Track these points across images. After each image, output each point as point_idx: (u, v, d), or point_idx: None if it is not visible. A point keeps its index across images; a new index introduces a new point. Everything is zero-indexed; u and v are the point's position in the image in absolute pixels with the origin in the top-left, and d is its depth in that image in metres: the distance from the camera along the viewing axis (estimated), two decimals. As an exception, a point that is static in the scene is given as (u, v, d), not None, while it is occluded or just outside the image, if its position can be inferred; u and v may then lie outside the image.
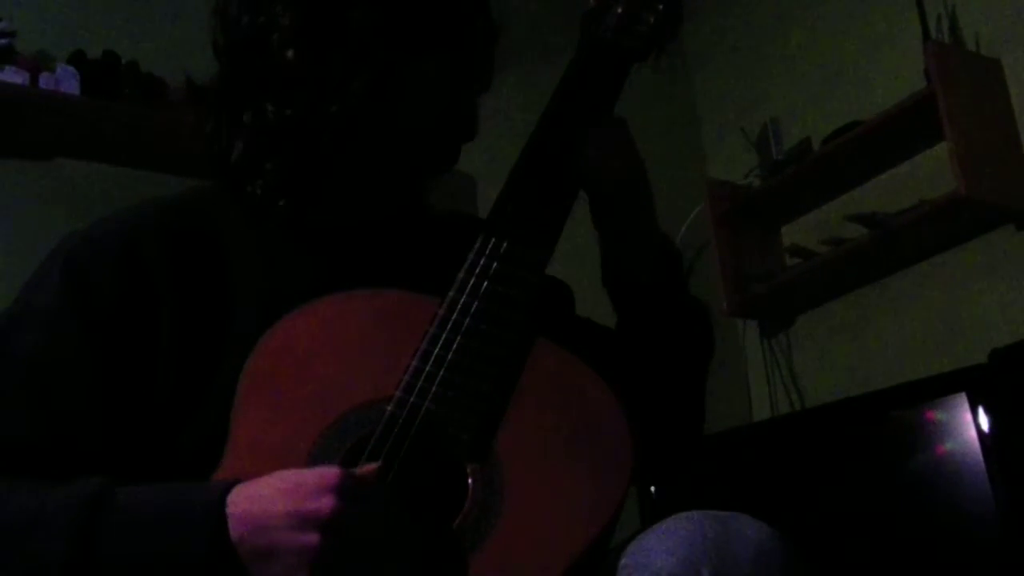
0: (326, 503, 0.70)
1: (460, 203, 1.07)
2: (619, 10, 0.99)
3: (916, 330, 2.63)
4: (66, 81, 2.28)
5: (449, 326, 0.83)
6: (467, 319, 0.83)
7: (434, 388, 0.81)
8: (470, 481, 0.79)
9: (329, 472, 0.73)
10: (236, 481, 0.75)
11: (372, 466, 0.77)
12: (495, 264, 0.85)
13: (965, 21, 2.57)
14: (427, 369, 0.82)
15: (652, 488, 2.28)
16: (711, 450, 2.25)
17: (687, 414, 1.04)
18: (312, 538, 0.70)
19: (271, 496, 0.73)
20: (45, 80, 2.26)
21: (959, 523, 1.90)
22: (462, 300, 0.84)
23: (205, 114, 0.97)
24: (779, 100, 3.08)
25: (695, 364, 1.05)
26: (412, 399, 0.81)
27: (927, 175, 2.58)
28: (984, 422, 1.88)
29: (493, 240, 0.87)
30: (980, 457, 1.86)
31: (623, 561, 0.76)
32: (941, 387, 1.97)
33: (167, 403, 0.85)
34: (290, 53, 0.90)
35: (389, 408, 0.80)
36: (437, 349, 0.82)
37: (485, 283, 0.85)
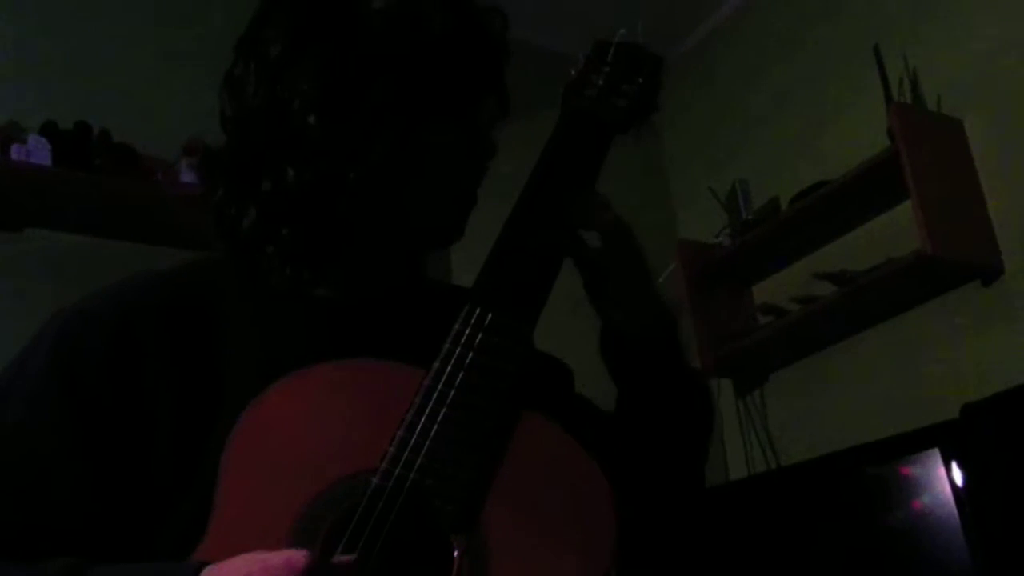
0: None
1: (431, 268, 1.07)
2: (600, 82, 1.00)
3: (888, 386, 2.65)
4: (37, 152, 2.28)
5: (435, 397, 0.82)
6: (452, 390, 0.83)
7: (420, 459, 0.80)
8: (455, 553, 0.78)
9: (297, 555, 0.71)
10: (205, 563, 0.73)
11: (348, 557, 0.76)
12: (480, 335, 0.85)
13: (926, 83, 2.63)
14: (413, 440, 0.80)
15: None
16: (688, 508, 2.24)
17: (686, 491, 1.05)
18: None
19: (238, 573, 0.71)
20: (16, 151, 2.26)
21: (937, 578, 1.90)
22: (447, 370, 0.83)
23: (214, 183, 0.97)
24: (747, 161, 3.13)
25: (696, 436, 1.05)
26: (398, 470, 0.79)
27: (893, 233, 2.62)
28: (957, 477, 1.88)
29: (478, 311, 0.86)
30: (955, 511, 1.87)
31: None
32: (914, 443, 1.99)
33: (159, 482, 0.84)
34: (312, 119, 0.90)
35: (375, 480, 0.79)
36: (423, 420, 0.81)
37: (470, 354, 0.84)
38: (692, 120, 3.42)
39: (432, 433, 0.81)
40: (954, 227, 2.42)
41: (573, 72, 1.02)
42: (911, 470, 1.98)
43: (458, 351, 0.84)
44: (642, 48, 1.03)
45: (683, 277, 2.94)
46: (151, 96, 2.62)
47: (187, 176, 2.42)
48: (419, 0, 0.94)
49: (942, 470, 1.91)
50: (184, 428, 0.86)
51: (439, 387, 0.83)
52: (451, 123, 0.96)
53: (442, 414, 0.82)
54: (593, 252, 0.96)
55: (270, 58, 0.93)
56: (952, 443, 1.92)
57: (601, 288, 0.99)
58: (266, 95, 0.93)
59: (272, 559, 0.71)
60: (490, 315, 0.86)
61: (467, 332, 0.85)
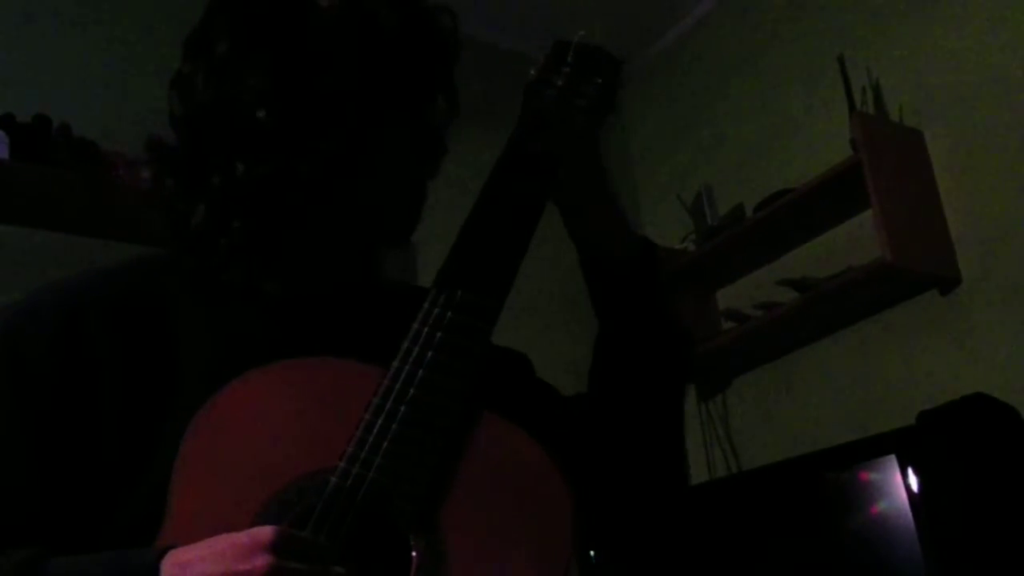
0: (260, 562, 0.69)
1: (400, 269, 1.06)
2: (559, 83, 1.01)
3: (847, 392, 2.68)
4: (-4, 144, 2.25)
5: (394, 396, 0.82)
6: (412, 388, 0.83)
7: (379, 459, 0.80)
8: (414, 553, 0.78)
9: (263, 531, 0.71)
10: (171, 547, 0.73)
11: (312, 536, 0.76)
12: (439, 333, 0.85)
13: (889, 94, 2.66)
14: (372, 439, 0.80)
15: (591, 552, 2.27)
16: (650, 513, 2.25)
17: (668, 453, 1.04)
18: None
19: (204, 558, 0.71)
20: (-26, 143, 2.23)
21: (892, 583, 1.92)
22: (407, 369, 0.83)
23: (163, 179, 0.96)
24: (712, 167, 3.15)
25: (674, 369, 1.04)
26: (356, 469, 0.79)
27: (855, 241, 2.65)
28: (913, 482, 1.91)
29: (437, 310, 0.86)
30: (910, 516, 1.89)
31: None
32: (872, 449, 2.01)
33: (109, 476, 0.84)
34: (261, 113, 0.90)
35: (333, 479, 0.79)
36: (382, 419, 0.81)
37: (430, 352, 0.84)
38: (658, 127, 3.43)
39: (391, 433, 0.80)
40: (914, 237, 2.45)
41: (533, 72, 1.03)
42: (869, 475, 2.00)
43: (417, 349, 0.84)
44: (601, 49, 1.04)
45: (647, 282, 2.94)
46: (113, 90, 2.59)
47: (149, 171, 2.39)
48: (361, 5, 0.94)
49: (899, 476, 1.93)
50: (133, 424, 0.85)
51: (398, 386, 0.83)
52: (401, 118, 0.96)
53: (401, 413, 0.81)
54: (570, 191, 0.98)
55: (217, 54, 0.93)
56: (908, 449, 1.94)
57: (578, 220, 1.00)
58: (214, 91, 0.92)
59: (238, 536, 0.71)
60: (449, 313, 0.86)
61: (426, 330, 0.85)
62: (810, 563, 2.06)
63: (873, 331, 2.66)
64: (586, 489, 0.84)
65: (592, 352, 1.04)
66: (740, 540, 2.20)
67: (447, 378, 0.83)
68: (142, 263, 0.98)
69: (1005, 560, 1.84)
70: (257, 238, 0.93)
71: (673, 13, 3.39)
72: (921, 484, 1.90)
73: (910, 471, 1.91)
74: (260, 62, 0.91)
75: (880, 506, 1.95)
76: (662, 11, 3.38)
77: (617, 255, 1.02)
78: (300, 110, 0.91)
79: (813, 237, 2.83)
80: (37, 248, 2.37)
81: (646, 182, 3.42)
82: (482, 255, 0.90)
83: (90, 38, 2.64)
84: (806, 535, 2.10)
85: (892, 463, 1.94)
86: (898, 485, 1.92)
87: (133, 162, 2.41)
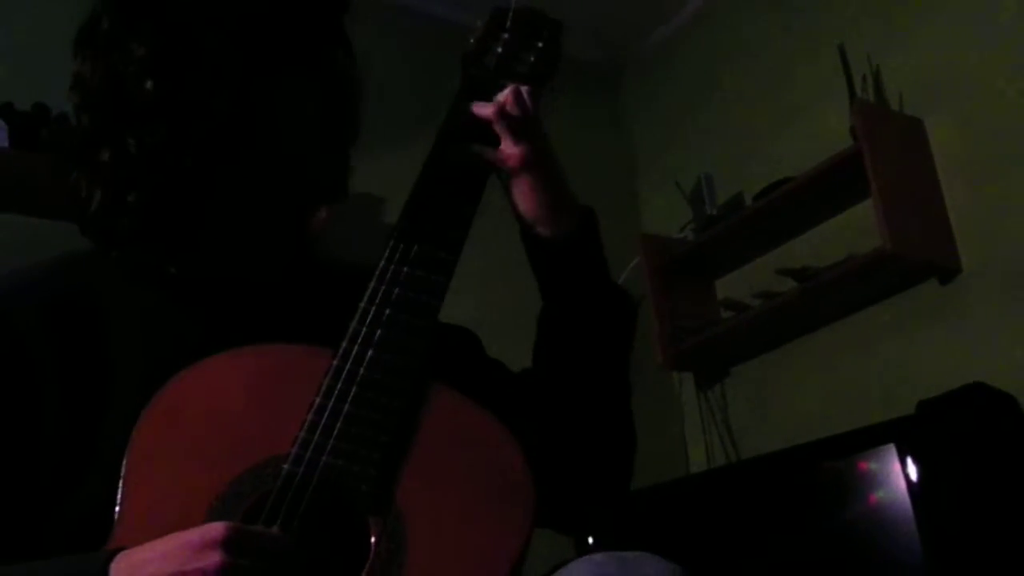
0: (212, 560, 0.68)
1: (366, 224, 1.04)
2: (499, 50, 1.00)
3: (846, 381, 2.68)
4: (-4, 133, 2.24)
5: (343, 377, 0.81)
6: (361, 368, 0.82)
7: (331, 442, 0.79)
8: (372, 535, 0.77)
9: (214, 527, 0.70)
10: (120, 549, 0.73)
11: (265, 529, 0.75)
12: (388, 310, 0.85)
13: (889, 82, 2.66)
14: (323, 422, 0.80)
15: (589, 539, 2.28)
16: (649, 501, 2.25)
17: (616, 423, 1.02)
18: None
19: (156, 557, 0.70)
20: (-26, 132, 2.22)
21: (891, 570, 1.92)
22: (355, 350, 0.83)
23: (67, 174, 0.94)
24: (712, 156, 3.14)
25: (617, 339, 1.03)
26: (309, 454, 0.78)
27: (855, 230, 2.65)
28: (912, 471, 1.91)
29: (384, 287, 0.86)
30: (909, 505, 1.89)
31: None
32: (871, 438, 2.01)
33: (52, 474, 0.83)
34: (148, 84, 0.88)
35: (286, 466, 0.78)
36: (332, 402, 0.81)
37: (379, 331, 0.83)
38: (658, 115, 3.43)
39: (343, 414, 0.80)
40: (914, 226, 2.44)
41: (471, 40, 1.02)
42: (868, 465, 2.00)
43: (365, 329, 0.83)
44: (540, 13, 1.03)
45: (647, 271, 2.95)
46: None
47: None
48: None
49: (898, 465, 1.93)
50: (72, 421, 0.84)
51: (347, 366, 0.82)
52: (293, 70, 0.94)
53: (352, 394, 0.81)
54: (508, 158, 0.96)
55: (101, 34, 0.92)
56: (908, 439, 1.95)
57: (522, 192, 0.98)
58: (103, 71, 0.91)
59: (188, 534, 0.70)
60: (397, 289, 0.86)
61: (374, 309, 0.84)
62: (809, 552, 2.07)
63: (873, 320, 2.66)
64: (538, 465, 0.82)
65: (537, 328, 1.02)
66: (738, 529, 2.21)
67: (396, 356, 0.82)
68: (68, 259, 0.97)
69: (1004, 549, 1.85)
70: (159, 213, 0.90)
71: (674, 0, 3.38)
72: (920, 473, 1.90)
73: (909, 460, 1.92)
74: (141, 30, 0.90)
75: (879, 495, 1.96)
76: (662, -1, 3.37)
77: (557, 226, 0.98)
78: (185, 73, 0.89)
79: (813, 226, 2.83)
80: (36, 235, 2.36)
81: (645, 171, 3.42)
82: (433, 216, 0.90)
83: (88, 26, 2.62)
84: (805, 525, 2.10)
85: (891, 452, 1.95)
86: (897, 474, 1.92)
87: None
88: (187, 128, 0.88)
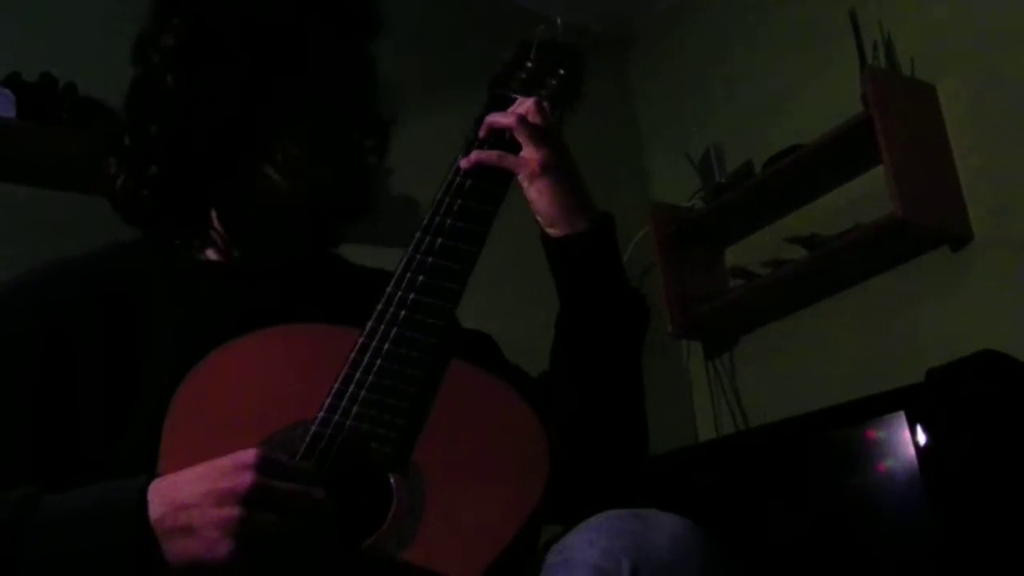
0: (244, 479, 0.73)
1: (405, 226, 1.08)
2: (523, 76, 1.09)
3: (855, 350, 2.68)
4: (1, 104, 2.23)
5: (369, 351, 0.88)
6: (386, 344, 0.89)
7: (356, 408, 0.85)
8: (394, 489, 0.82)
9: (246, 452, 0.76)
10: (153, 476, 0.79)
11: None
12: (412, 294, 0.92)
13: (900, 47, 2.63)
14: (349, 391, 0.86)
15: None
16: (657, 470, 2.26)
17: (630, 424, 1.06)
18: (232, 511, 0.72)
19: (190, 479, 0.76)
20: (-20, 102, 2.22)
21: (899, 538, 1.93)
22: (380, 328, 0.90)
23: (101, 153, 1.04)
24: (721, 124, 3.13)
25: (633, 343, 1.07)
26: (335, 418, 0.85)
27: (865, 198, 2.63)
28: (922, 439, 1.91)
29: (409, 274, 0.93)
30: (919, 473, 1.89)
31: (549, 557, 0.81)
32: (880, 406, 2.00)
33: (92, 434, 0.89)
34: (169, 75, 0.98)
35: (313, 428, 0.84)
36: (358, 373, 0.87)
37: (403, 312, 0.91)
38: (666, 83, 3.40)
39: (367, 384, 0.87)
40: (925, 193, 2.43)
41: (498, 66, 1.11)
42: (877, 433, 2.00)
43: (391, 310, 0.91)
44: (564, 44, 1.12)
45: (656, 240, 2.94)
46: (118, 49, 2.56)
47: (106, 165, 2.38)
48: None
49: (907, 433, 1.93)
50: (111, 389, 0.91)
51: (373, 343, 0.89)
52: (310, 82, 1.01)
53: (377, 366, 0.88)
54: (528, 162, 1.03)
55: (144, 32, 1.03)
56: (917, 407, 1.94)
57: (538, 192, 1.04)
58: (140, 66, 1.02)
59: (221, 459, 0.76)
60: (421, 277, 0.93)
61: (399, 293, 0.92)
62: (817, 521, 2.07)
63: (883, 288, 2.65)
64: (555, 466, 0.87)
65: (555, 330, 1.07)
66: (747, 498, 2.21)
67: (418, 333, 0.90)
68: (113, 247, 1.06)
69: (1014, 516, 1.85)
70: (174, 187, 0.99)
71: (682, -33, 3.35)
72: (930, 441, 1.90)
73: (919, 428, 1.91)
74: (173, 26, 1.00)
75: (888, 464, 1.96)
76: (671, -35, 3.33)
77: (573, 227, 1.04)
78: (202, 66, 0.98)
79: (823, 194, 2.81)
80: (43, 206, 2.36)
81: (653, 139, 3.40)
82: (457, 213, 0.98)
83: (93, -5, 2.61)
84: (813, 493, 2.11)
85: (901, 420, 1.94)
86: (906, 442, 1.92)
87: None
88: (198, 116, 0.97)
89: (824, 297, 2.78)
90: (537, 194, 1.03)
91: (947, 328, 2.45)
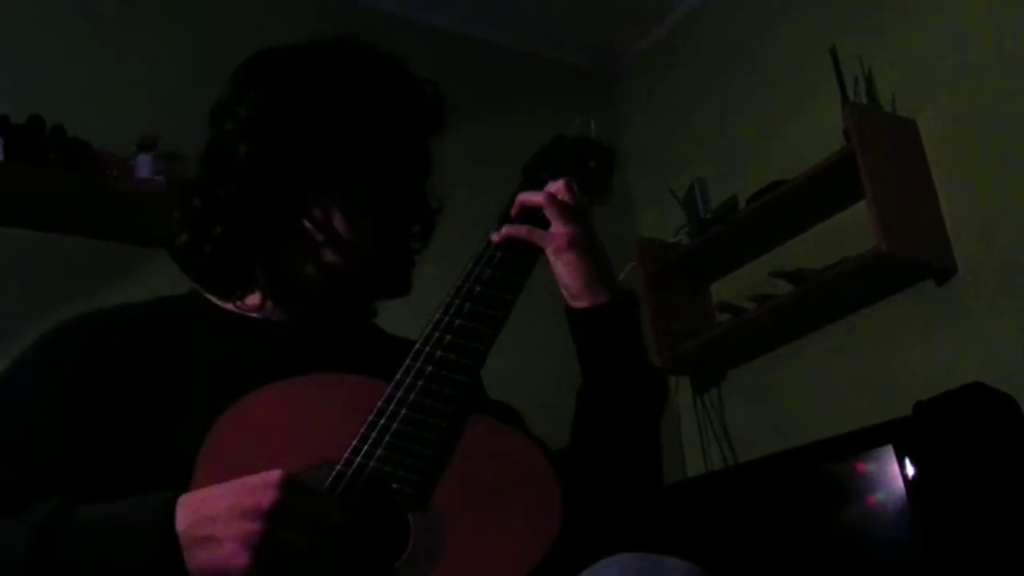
0: (268, 497, 0.77)
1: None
2: (555, 164, 1.15)
3: (843, 383, 2.68)
4: (-10, 146, 2.24)
5: (395, 401, 0.93)
6: (412, 394, 0.93)
7: (380, 451, 0.89)
8: (412, 527, 0.85)
9: (272, 472, 0.79)
10: (181, 491, 0.82)
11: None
12: (439, 352, 0.97)
13: (881, 83, 2.66)
14: (374, 435, 0.90)
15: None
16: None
17: (647, 496, 1.11)
18: (253, 526, 0.76)
19: (217, 493, 0.80)
20: (-33, 145, 2.22)
21: (890, 570, 1.93)
22: (407, 380, 0.95)
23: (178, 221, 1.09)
24: (705, 160, 3.15)
25: (653, 405, 1.13)
26: (359, 459, 0.89)
27: (849, 232, 2.65)
28: (910, 472, 1.91)
29: (437, 334, 0.98)
30: (907, 506, 1.89)
31: None
32: (869, 440, 2.01)
33: (127, 468, 0.94)
34: (241, 145, 1.04)
35: (337, 467, 0.88)
36: (384, 420, 0.91)
37: (430, 367, 0.96)
38: (651, 119, 3.43)
39: (392, 430, 0.91)
40: (909, 226, 2.45)
41: (530, 156, 1.19)
42: (865, 467, 2.00)
43: (418, 365, 0.96)
44: (596, 141, 1.19)
45: (642, 275, 2.95)
46: (106, 91, 2.58)
47: (142, 172, 2.39)
48: (350, 60, 1.09)
49: (896, 466, 1.93)
50: (149, 425, 0.96)
51: (399, 394, 0.94)
52: (370, 166, 1.08)
53: (401, 415, 0.92)
54: (555, 237, 1.09)
55: (221, 100, 1.09)
56: (905, 440, 1.95)
57: (564, 266, 1.10)
58: (215, 133, 1.08)
59: (249, 477, 0.80)
60: (448, 336, 0.98)
61: (427, 350, 0.97)
62: (807, 555, 2.07)
63: (869, 322, 2.67)
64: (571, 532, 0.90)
65: (575, 404, 1.12)
66: (736, 533, 2.21)
67: (443, 387, 0.94)
68: (163, 299, 1.13)
69: (1003, 550, 1.85)
70: (234, 247, 1.06)
71: (665, 4, 3.39)
72: (918, 474, 1.90)
73: (907, 461, 1.92)
74: (249, 98, 1.06)
75: (877, 497, 1.96)
76: (654, 2, 3.38)
77: (596, 299, 1.09)
78: (273, 141, 1.04)
79: (807, 228, 2.84)
80: (31, 248, 2.36)
81: (638, 175, 3.42)
82: (487, 281, 1.03)
83: (84, 39, 2.63)
84: (803, 527, 2.10)
85: (889, 454, 1.95)
86: (895, 476, 1.93)
87: (126, 162, 2.41)
88: (263, 185, 1.04)
89: (810, 331, 2.80)
90: (563, 268, 1.09)
91: (934, 361, 2.46)
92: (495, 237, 1.08)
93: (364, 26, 1.14)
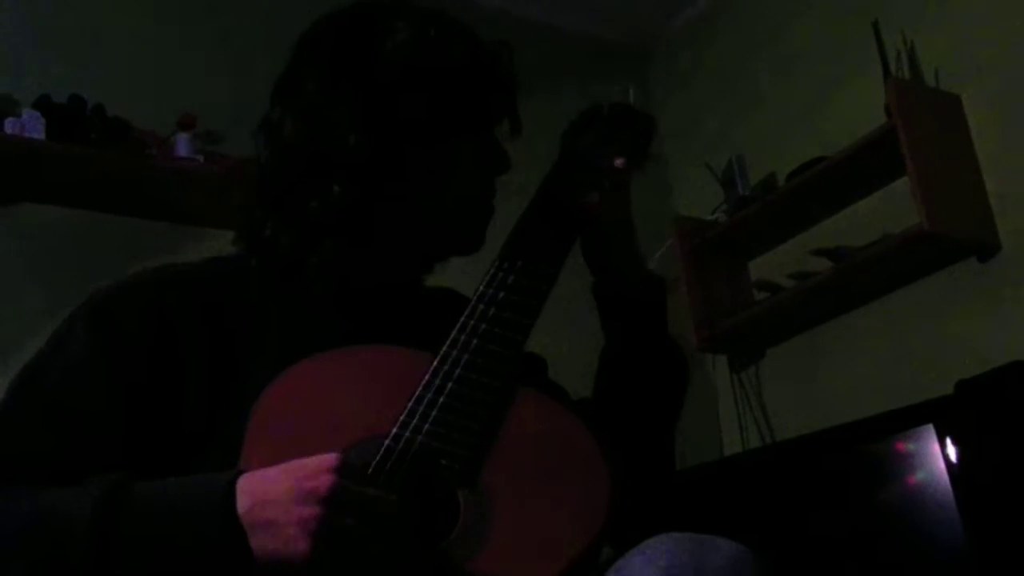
0: (325, 480, 0.78)
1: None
2: (595, 132, 1.14)
3: (883, 362, 2.66)
4: (32, 126, 2.27)
5: (442, 374, 0.93)
6: (458, 369, 0.94)
7: (427, 425, 0.89)
8: (461, 503, 0.86)
9: (330, 455, 0.80)
10: (242, 471, 0.83)
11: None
12: (484, 324, 0.97)
13: (924, 58, 2.62)
14: (421, 409, 0.91)
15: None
16: (683, 485, 2.25)
17: (659, 460, 1.13)
18: (311, 511, 0.77)
19: (275, 476, 0.80)
20: (11, 125, 2.25)
21: (930, 552, 1.91)
22: (454, 354, 0.95)
23: (253, 210, 1.07)
24: (744, 137, 3.12)
25: (674, 387, 1.16)
26: (407, 434, 0.89)
27: (890, 209, 2.62)
28: (952, 452, 1.89)
29: (482, 306, 0.98)
30: (949, 487, 1.87)
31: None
32: (909, 419, 1.99)
33: (187, 438, 0.94)
34: (352, 140, 1.00)
35: (387, 441, 0.88)
36: (431, 394, 0.92)
37: (475, 340, 0.96)
38: (689, 96, 3.40)
39: (439, 404, 0.91)
40: (951, 203, 2.42)
41: (570, 122, 1.17)
42: (906, 446, 1.98)
43: (464, 337, 0.95)
44: (636, 108, 1.18)
45: (680, 253, 2.93)
46: (146, 70, 2.60)
47: (181, 150, 2.41)
48: (436, 32, 1.05)
49: (936, 446, 1.91)
50: (211, 392, 0.96)
51: (446, 367, 0.94)
52: (471, 139, 1.07)
53: (449, 388, 0.92)
54: (597, 222, 1.10)
55: (305, 94, 1.04)
56: (946, 419, 1.93)
57: (600, 251, 1.12)
58: (305, 127, 1.02)
59: (306, 459, 0.81)
60: (493, 309, 0.98)
61: (472, 322, 0.96)
62: (847, 535, 2.05)
63: (909, 300, 2.63)
64: None
65: (598, 363, 1.14)
66: (774, 512, 2.20)
67: (490, 360, 0.94)
68: (221, 260, 1.11)
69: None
70: (347, 253, 1.03)
71: (704, -20, 3.35)
72: (960, 454, 1.88)
73: (948, 441, 1.90)
74: (344, 96, 1.02)
75: (918, 477, 1.94)
76: (692, -22, 3.34)
77: (630, 285, 1.12)
78: (384, 134, 1.01)
79: (847, 206, 2.80)
80: (73, 227, 2.39)
81: (676, 152, 3.39)
82: (531, 252, 1.03)
83: (123, 19, 2.64)
84: (842, 507, 2.09)
85: (930, 433, 1.92)
86: (936, 456, 1.90)
87: (165, 140, 2.43)
88: (383, 181, 1.02)
89: (850, 309, 2.77)
90: (598, 243, 1.11)
91: (975, 340, 2.43)
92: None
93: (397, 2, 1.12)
